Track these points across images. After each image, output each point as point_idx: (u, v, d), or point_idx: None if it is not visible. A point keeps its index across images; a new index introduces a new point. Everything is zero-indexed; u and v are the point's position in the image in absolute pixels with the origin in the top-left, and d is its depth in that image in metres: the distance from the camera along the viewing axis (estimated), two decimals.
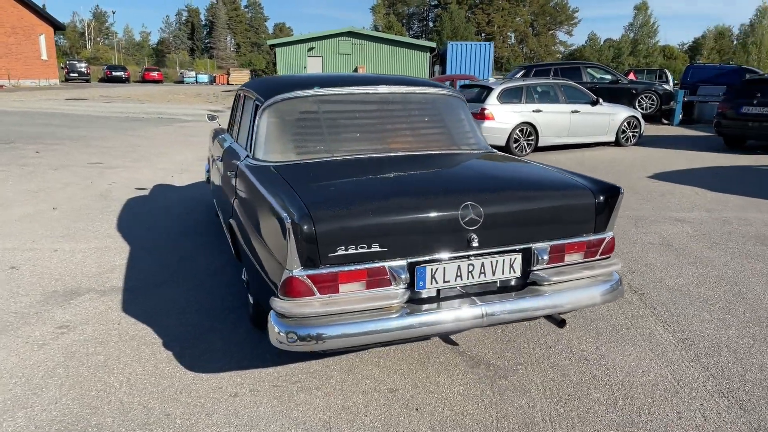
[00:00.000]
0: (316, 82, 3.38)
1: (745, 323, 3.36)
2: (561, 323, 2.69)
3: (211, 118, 5.72)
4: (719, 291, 3.87)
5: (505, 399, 2.57)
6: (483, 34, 73.67)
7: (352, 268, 2.26)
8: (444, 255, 2.38)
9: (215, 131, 5.39)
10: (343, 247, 2.23)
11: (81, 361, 2.91)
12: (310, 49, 31.16)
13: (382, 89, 3.42)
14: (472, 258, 2.42)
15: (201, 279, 4.10)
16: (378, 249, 2.27)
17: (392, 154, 3.15)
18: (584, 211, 2.61)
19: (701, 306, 3.62)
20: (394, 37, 31.00)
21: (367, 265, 2.27)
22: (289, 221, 2.13)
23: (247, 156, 3.27)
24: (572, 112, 10.56)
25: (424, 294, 2.41)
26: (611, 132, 11.28)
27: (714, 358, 2.94)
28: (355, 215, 2.26)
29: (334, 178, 2.70)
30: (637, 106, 14.78)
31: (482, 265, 2.44)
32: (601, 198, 2.63)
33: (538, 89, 10.57)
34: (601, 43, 79.25)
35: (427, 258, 2.36)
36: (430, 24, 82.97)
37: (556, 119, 10.42)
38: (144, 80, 52.40)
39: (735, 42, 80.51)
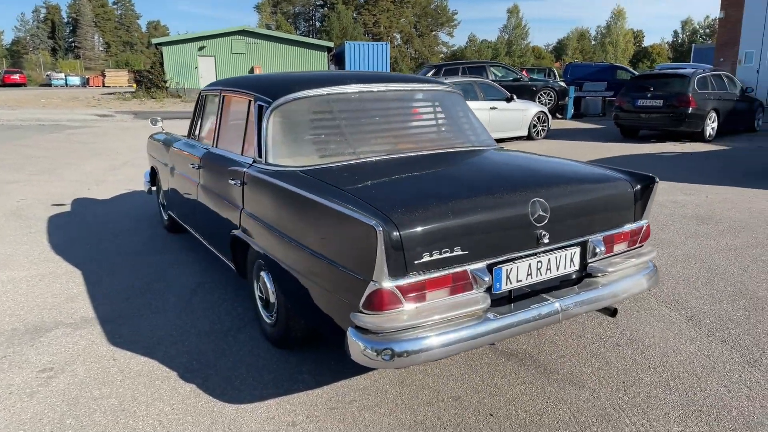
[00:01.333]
0: (318, 80, 3.17)
1: (731, 297, 3.66)
2: (614, 312, 2.75)
3: (154, 121, 5.23)
4: (693, 269, 4.19)
5: (568, 393, 2.58)
6: (370, 35, 74.71)
7: (438, 274, 2.13)
8: (517, 254, 2.33)
9: (165, 137, 4.90)
10: (428, 253, 2.09)
11: (90, 407, 2.50)
12: (201, 48, 29.69)
13: (391, 86, 3.29)
14: (540, 255, 2.39)
15: (184, 301, 3.71)
16: (460, 252, 2.16)
17: (419, 153, 3.03)
18: (627, 200, 2.68)
19: (688, 284, 3.89)
20: (292, 37, 30.45)
21: (450, 270, 2.15)
22: (380, 228, 1.95)
23: (255, 162, 2.99)
24: (491, 108, 10.99)
25: (499, 296, 2.34)
26: (524, 126, 11.89)
27: (725, 332, 3.16)
28: (436, 218, 2.14)
29: (383, 180, 2.54)
30: (537, 102, 15.72)
31: (548, 261, 2.42)
32: (639, 187, 2.71)
33: (459, 87, 10.85)
34: (479, 43, 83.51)
35: (502, 258, 2.29)
36: (317, 24, 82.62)
37: (477, 116, 10.76)
38: (4, 84, 46.98)
39: (593, 42, 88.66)
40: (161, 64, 30.40)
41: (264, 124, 3.01)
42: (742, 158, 9.58)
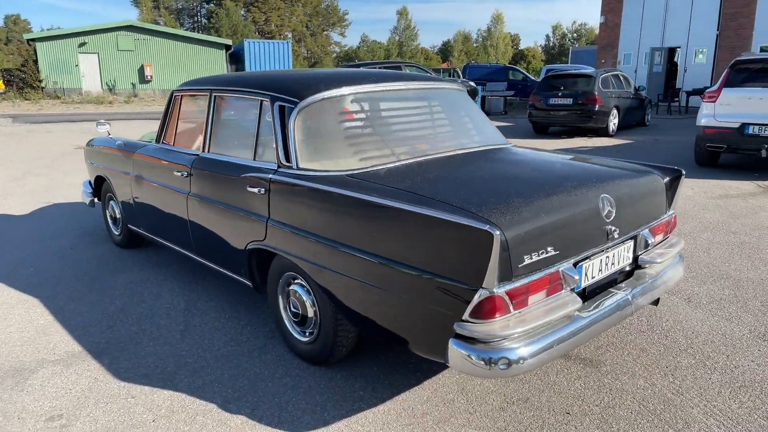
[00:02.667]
0: (338, 78, 3.00)
1: (711, 278, 3.97)
2: (656, 301, 2.85)
3: (100, 125, 4.70)
4: None
5: (626, 383, 2.64)
6: (262, 33, 72.82)
7: (537, 276, 2.08)
8: (593, 250, 2.34)
9: (121, 143, 4.40)
10: (529, 255, 2.04)
11: None
12: (82, 44, 27.23)
13: (411, 85, 3.19)
14: (608, 250, 2.43)
15: (179, 323, 3.34)
16: (552, 252, 2.13)
17: (455, 153, 2.95)
18: (662, 193, 2.80)
19: None
20: (186, 33, 28.74)
21: (546, 272, 2.11)
22: (496, 232, 1.86)
23: (280, 168, 2.76)
24: None
25: (579, 294, 2.34)
26: None
27: (724, 311, 3.42)
28: (533, 219, 2.09)
29: (449, 182, 2.42)
30: None
31: (613, 255, 2.47)
32: (669, 179, 2.85)
33: None
34: (371, 43, 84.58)
35: (582, 256, 2.29)
36: (204, 20, 79.06)
37: None
38: None
39: (476, 45, 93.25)
40: (35, 62, 27.46)
41: (290, 127, 2.78)
42: (648, 150, 10.50)
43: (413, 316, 2.17)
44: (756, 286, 3.81)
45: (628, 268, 2.63)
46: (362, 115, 2.93)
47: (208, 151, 3.39)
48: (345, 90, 2.90)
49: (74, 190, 7.23)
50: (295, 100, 2.82)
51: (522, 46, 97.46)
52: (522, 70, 25.67)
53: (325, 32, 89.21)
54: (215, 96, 3.42)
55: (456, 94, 3.43)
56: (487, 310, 1.95)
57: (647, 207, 2.70)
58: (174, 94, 3.86)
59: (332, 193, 2.43)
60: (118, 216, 4.68)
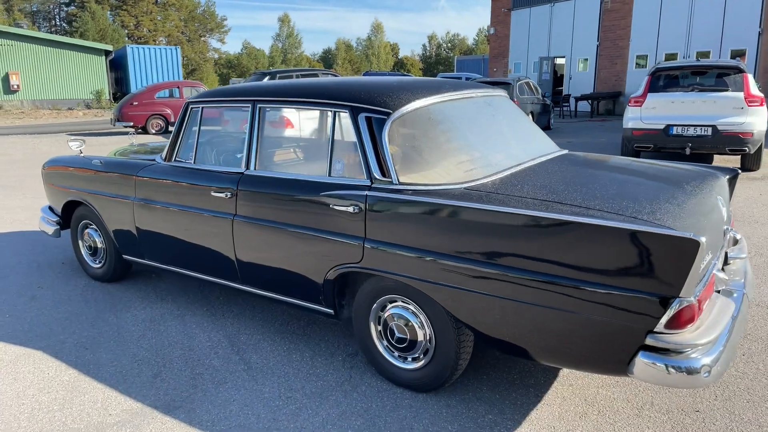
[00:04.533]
0: (416, 86, 2.85)
1: None
2: None
3: (74, 141, 4.11)
4: None
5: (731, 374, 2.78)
6: (133, 38, 68.19)
7: (706, 281, 2.11)
8: (718, 251, 2.43)
9: (111, 162, 3.84)
10: (703, 260, 2.06)
11: None
12: None
13: (480, 92, 3.11)
14: (721, 249, 2.53)
15: (238, 364, 2.98)
16: (710, 257, 2.18)
17: (541, 160, 2.92)
18: (729, 192, 2.98)
19: None
20: (59, 38, 25.94)
21: (708, 276, 2.15)
22: (702, 239, 1.86)
23: (374, 183, 2.56)
24: None
25: None
26: None
27: None
28: (698, 225, 2.12)
29: (586, 192, 2.36)
30: None
31: (722, 254, 2.58)
32: (729, 178, 3.04)
33: None
34: (256, 51, 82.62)
35: (715, 256, 2.37)
36: (63, 24, 72.32)
37: None
38: None
39: (358, 53, 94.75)
40: None
41: (383, 139, 2.59)
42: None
43: (582, 331, 2.10)
44: None
45: (721, 266, 2.77)
46: (449, 124, 2.80)
47: (256, 169, 3.07)
48: (432, 99, 2.77)
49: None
50: (387, 110, 2.63)
51: (401, 55, 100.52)
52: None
53: (202, 38, 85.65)
54: (260, 107, 3.10)
55: (506, 101, 3.41)
56: (684, 319, 1.94)
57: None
58: (191, 107, 3.44)
59: (468, 209, 2.28)
60: (100, 246, 4.07)
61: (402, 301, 2.62)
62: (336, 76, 16.32)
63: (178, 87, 16.03)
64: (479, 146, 2.80)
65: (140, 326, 3.42)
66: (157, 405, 2.59)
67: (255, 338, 3.25)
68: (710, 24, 16.65)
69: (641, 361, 1.99)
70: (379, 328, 2.72)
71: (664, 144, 8.17)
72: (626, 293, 1.99)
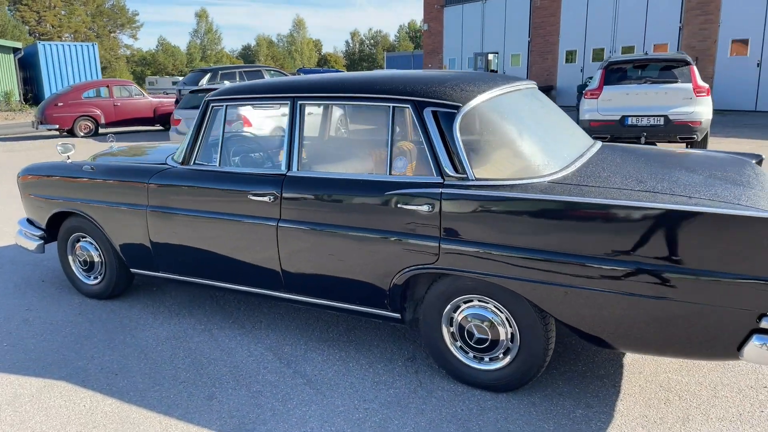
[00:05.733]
0: (471, 79, 2.78)
1: None
2: None
3: (65, 149, 3.75)
4: None
5: None
6: (35, 35, 63.32)
7: None
8: None
9: (113, 166, 3.51)
10: None
11: None
12: None
13: (524, 85, 3.08)
14: None
15: (297, 377, 2.80)
16: None
17: (596, 150, 2.93)
18: None
19: None
20: None
21: None
22: None
23: (446, 179, 2.47)
24: (309, 112, 10.74)
25: None
26: None
27: None
28: None
29: (670, 182, 2.38)
30: None
31: None
32: (755, 162, 3.18)
33: None
34: (172, 47, 79.18)
35: None
36: None
37: None
38: None
39: (280, 49, 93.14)
40: None
41: (454, 134, 2.50)
42: None
43: (688, 319, 2.12)
44: None
45: None
46: (513, 117, 2.75)
47: (299, 170, 2.88)
48: (493, 91, 2.70)
49: None
50: (456, 104, 2.54)
51: (324, 52, 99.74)
52: None
53: (113, 34, 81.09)
54: (301, 104, 2.91)
55: (541, 93, 3.40)
56: None
57: None
58: (212, 105, 3.19)
59: (568, 202, 2.23)
60: (97, 260, 3.70)
61: (479, 301, 2.54)
62: (282, 72, 15.88)
63: (107, 86, 14.99)
64: (543, 138, 2.77)
65: (166, 345, 3.14)
66: (227, 429, 2.37)
67: (300, 349, 3.06)
68: (634, 20, 17.70)
69: (755, 344, 2.03)
70: (452, 329, 2.63)
71: (620, 134, 8.56)
72: (738, 279, 2.02)
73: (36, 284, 4.11)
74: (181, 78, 39.55)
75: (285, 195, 2.85)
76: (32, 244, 3.90)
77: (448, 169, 2.50)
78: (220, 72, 13.75)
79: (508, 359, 2.53)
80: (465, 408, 2.48)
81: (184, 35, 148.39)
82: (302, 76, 3.25)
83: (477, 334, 2.55)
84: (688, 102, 8.17)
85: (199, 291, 3.87)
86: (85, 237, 3.74)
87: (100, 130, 14.81)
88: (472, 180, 2.45)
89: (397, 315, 2.72)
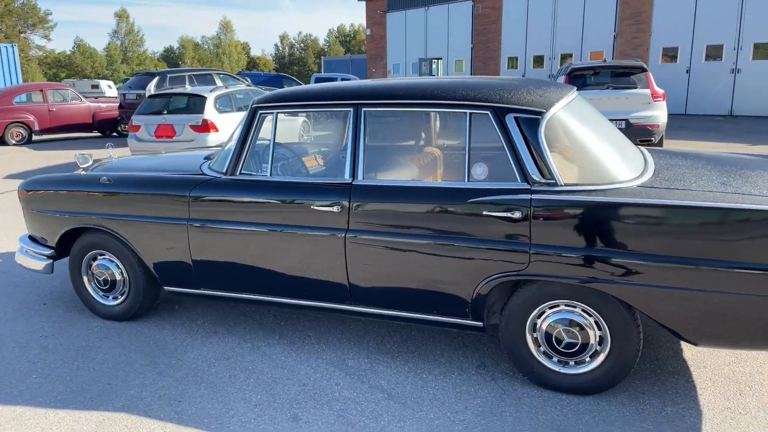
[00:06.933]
0: (544, 84, 2.82)
1: None
2: None
3: (84, 160, 3.48)
4: None
5: None
6: None
7: None
8: None
9: (141, 177, 3.27)
10: None
11: None
12: None
13: (574, 91, 3.15)
14: None
15: (374, 391, 2.71)
16: None
17: (654, 157, 3.03)
18: None
19: None
20: None
21: None
22: None
23: (534, 186, 2.49)
24: None
25: None
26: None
27: None
28: None
29: (740, 183, 2.50)
30: None
31: None
32: None
33: (238, 96, 9.98)
34: (90, 49, 74.95)
35: None
36: None
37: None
38: None
39: (208, 52, 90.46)
40: None
41: (540, 140, 2.52)
42: None
43: None
44: None
45: None
46: (586, 123, 2.80)
47: (364, 178, 2.80)
48: (567, 98, 2.75)
49: None
50: (540, 110, 2.56)
51: (252, 54, 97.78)
52: (296, 79, 25.93)
53: (23, 35, 75.84)
54: (365, 111, 2.83)
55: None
56: None
57: None
58: (260, 112, 3.04)
59: (668, 207, 2.30)
60: (119, 278, 3.43)
61: (566, 305, 2.57)
62: (232, 76, 15.38)
63: (41, 90, 13.95)
64: (613, 143, 2.83)
65: (219, 366, 2.95)
66: None
67: (363, 362, 2.97)
68: (572, 28, 18.57)
69: None
70: (535, 335, 2.64)
71: None
72: None
73: (37, 308, 3.75)
74: (104, 81, 37.46)
75: (354, 204, 2.76)
76: (39, 264, 3.55)
77: (535, 175, 2.51)
78: (168, 75, 13.16)
79: (597, 362, 2.56)
80: (560, 413, 2.50)
81: (103, 36, 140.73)
82: (363, 82, 3.15)
83: (567, 339, 2.57)
84: (646, 107, 8.66)
85: (231, 307, 3.67)
86: (103, 255, 3.45)
87: (34, 138, 13.77)
88: (561, 186, 2.48)
89: (480, 324, 2.70)
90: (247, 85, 13.89)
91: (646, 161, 2.84)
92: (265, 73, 27.20)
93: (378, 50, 24.91)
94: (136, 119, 9.15)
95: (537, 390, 2.67)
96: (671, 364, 2.88)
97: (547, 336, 2.60)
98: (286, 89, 3.17)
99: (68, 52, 73.20)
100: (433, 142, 3.48)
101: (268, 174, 3.01)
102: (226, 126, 9.19)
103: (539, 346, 2.65)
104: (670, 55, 16.47)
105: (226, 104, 9.41)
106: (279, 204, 2.92)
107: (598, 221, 2.40)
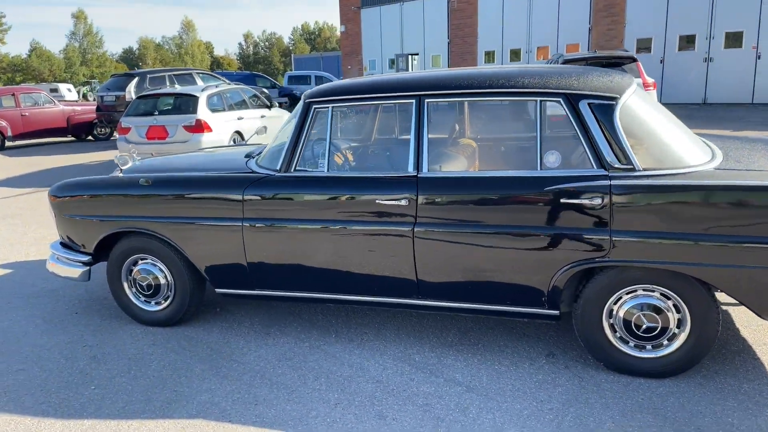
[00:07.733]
0: (606, 70, 2.83)
1: None
2: None
3: (124, 161, 3.37)
4: None
5: None
6: None
7: None
8: None
9: (196, 177, 3.16)
10: None
11: None
12: None
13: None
14: None
15: (451, 390, 2.68)
16: None
17: (712, 143, 3.08)
18: None
19: None
20: None
21: None
22: None
23: (612, 172, 2.49)
24: (261, 117, 10.30)
25: None
26: None
27: None
28: None
29: None
30: None
31: None
32: None
33: (227, 94, 9.77)
34: (48, 51, 72.51)
35: None
36: None
37: (253, 125, 9.95)
38: None
39: (170, 52, 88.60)
40: None
41: (616, 125, 2.53)
42: None
43: None
44: None
45: None
46: (653, 107, 2.81)
47: (430, 170, 2.76)
48: (635, 82, 2.77)
49: None
50: (614, 95, 2.57)
51: (215, 54, 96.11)
52: (269, 78, 25.62)
53: None
54: (429, 102, 2.79)
55: None
56: None
57: None
58: (314, 107, 2.96)
59: (756, 187, 2.33)
60: (163, 282, 3.30)
61: (644, 290, 2.58)
62: (214, 76, 15.05)
63: (13, 94, 13.41)
64: (681, 128, 2.85)
65: (284, 367, 2.87)
66: None
67: (429, 356, 2.94)
68: (547, 22, 18.80)
69: None
70: (611, 320, 2.65)
71: None
72: None
73: (70, 317, 3.58)
74: (63, 84, 36.20)
75: (422, 197, 2.72)
76: (75, 272, 3.39)
77: (612, 161, 2.52)
78: (148, 76, 12.81)
79: (675, 345, 2.58)
80: (644, 397, 2.51)
81: (60, 38, 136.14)
82: (426, 72, 3.09)
83: (647, 323, 2.58)
84: None
85: (278, 307, 3.59)
86: (145, 259, 3.32)
87: (7, 144, 13.23)
88: (640, 170, 2.49)
89: (556, 312, 2.69)
90: (228, 84, 13.63)
91: (709, 145, 2.88)
92: (238, 72, 26.81)
93: (353, 47, 24.77)
94: (125, 121, 8.87)
95: (613, 375, 2.68)
96: (733, 344, 2.93)
97: (625, 322, 2.61)
98: (340, 81, 3.10)
99: (24, 56, 70.61)
100: (498, 132, 3.47)
101: (326, 169, 2.94)
102: (220, 126, 9.00)
103: (615, 331, 2.66)
104: (645, 46, 16.84)
105: (217, 103, 9.22)
106: (340, 199, 2.85)
107: (681, 204, 2.42)
